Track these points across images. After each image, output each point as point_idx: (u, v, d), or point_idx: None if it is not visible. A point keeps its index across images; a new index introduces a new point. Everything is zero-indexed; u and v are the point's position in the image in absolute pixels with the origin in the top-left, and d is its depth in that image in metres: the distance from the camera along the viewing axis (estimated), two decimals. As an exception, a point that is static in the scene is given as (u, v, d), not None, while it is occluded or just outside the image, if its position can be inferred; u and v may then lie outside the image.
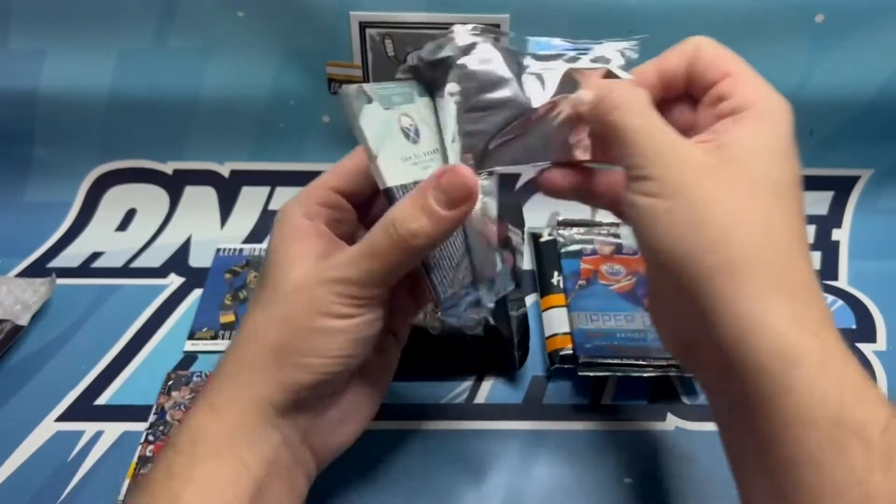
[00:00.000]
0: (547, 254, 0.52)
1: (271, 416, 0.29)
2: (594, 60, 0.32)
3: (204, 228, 0.58)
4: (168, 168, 0.58)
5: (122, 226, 0.58)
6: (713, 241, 0.25)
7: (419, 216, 0.27)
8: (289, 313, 0.29)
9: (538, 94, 0.31)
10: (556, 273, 0.50)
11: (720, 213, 0.25)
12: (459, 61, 0.30)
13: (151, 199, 0.58)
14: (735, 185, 0.25)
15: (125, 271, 0.54)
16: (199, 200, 0.58)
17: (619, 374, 0.43)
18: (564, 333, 0.45)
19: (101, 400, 0.44)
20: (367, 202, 0.34)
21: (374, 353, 0.32)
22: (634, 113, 0.28)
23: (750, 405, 0.24)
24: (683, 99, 0.31)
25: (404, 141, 0.30)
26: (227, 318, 0.49)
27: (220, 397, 0.29)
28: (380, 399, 0.34)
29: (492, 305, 0.34)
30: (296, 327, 0.29)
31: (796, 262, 0.25)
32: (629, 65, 0.32)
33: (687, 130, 0.29)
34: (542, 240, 0.53)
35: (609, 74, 0.32)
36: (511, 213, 0.54)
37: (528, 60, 0.32)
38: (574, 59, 0.32)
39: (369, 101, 0.29)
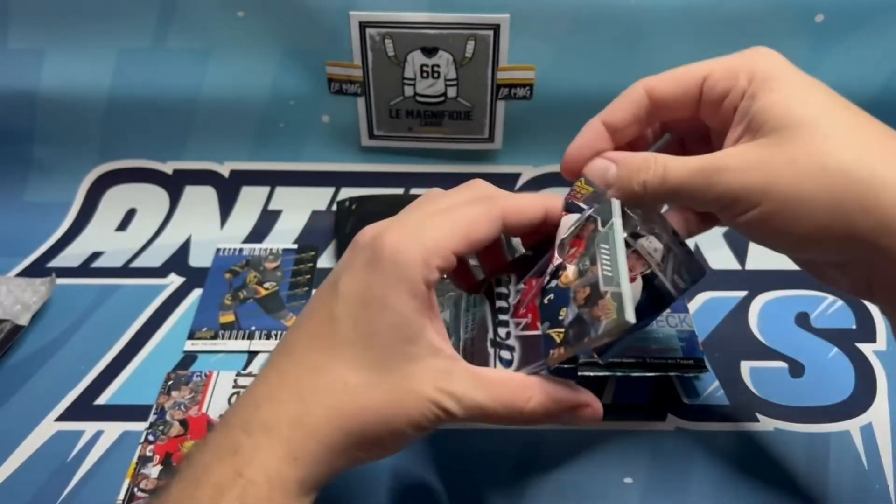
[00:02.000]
0: (547, 254, 0.52)
1: (302, 491, 0.28)
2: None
3: (204, 228, 0.58)
4: (168, 168, 0.58)
5: (122, 226, 0.58)
6: (840, 186, 0.26)
7: (545, 403, 0.29)
8: (393, 403, 0.28)
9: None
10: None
11: (810, 190, 0.26)
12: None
13: (151, 198, 0.58)
14: (802, 144, 0.27)
15: (125, 271, 0.54)
16: (199, 200, 0.58)
17: (619, 374, 0.43)
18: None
19: (101, 400, 0.44)
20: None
21: None
22: (674, 172, 0.29)
23: None
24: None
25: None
26: (227, 318, 0.49)
27: (250, 466, 0.27)
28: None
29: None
30: (391, 421, 0.28)
31: None
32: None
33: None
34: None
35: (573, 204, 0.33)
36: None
37: None
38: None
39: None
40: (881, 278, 0.28)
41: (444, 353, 0.29)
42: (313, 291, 0.51)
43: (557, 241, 0.32)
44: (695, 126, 0.33)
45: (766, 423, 0.42)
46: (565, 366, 0.44)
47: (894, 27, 0.50)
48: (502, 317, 0.33)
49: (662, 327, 0.45)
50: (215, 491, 0.26)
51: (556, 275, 0.32)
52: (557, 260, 0.32)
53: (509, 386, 0.29)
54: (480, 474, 0.39)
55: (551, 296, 0.31)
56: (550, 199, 0.32)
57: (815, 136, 0.26)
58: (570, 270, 0.31)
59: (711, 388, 0.44)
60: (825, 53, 0.51)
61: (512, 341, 0.32)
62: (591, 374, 0.43)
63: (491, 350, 0.32)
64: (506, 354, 0.32)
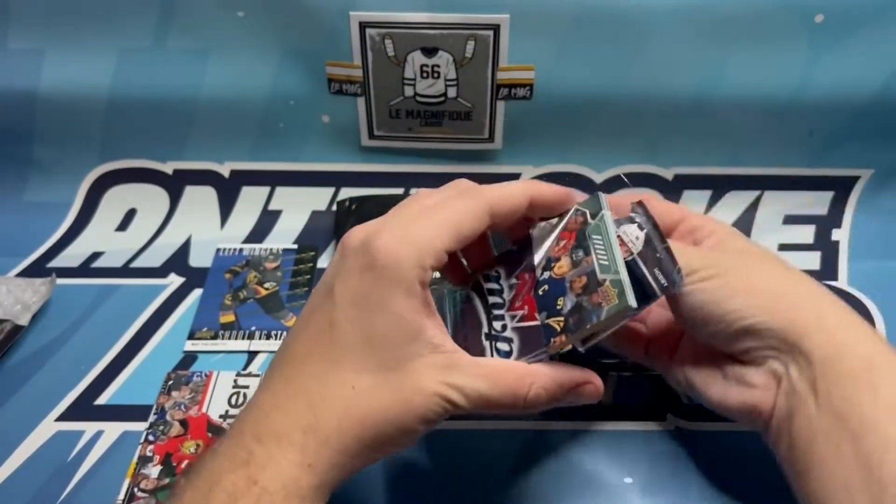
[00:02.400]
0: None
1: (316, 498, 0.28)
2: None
3: (204, 228, 0.58)
4: (168, 168, 0.58)
5: (122, 226, 0.58)
6: (784, 289, 0.33)
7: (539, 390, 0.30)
8: (401, 403, 0.29)
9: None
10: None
11: (757, 279, 0.33)
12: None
13: (151, 198, 0.58)
14: (753, 265, 0.35)
15: (125, 271, 0.54)
16: (199, 200, 0.58)
17: (618, 373, 0.43)
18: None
19: (101, 400, 0.44)
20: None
21: None
22: None
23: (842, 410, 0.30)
24: None
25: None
26: (227, 318, 0.49)
27: (266, 475, 0.27)
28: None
29: None
30: (401, 420, 0.28)
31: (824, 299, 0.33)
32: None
33: None
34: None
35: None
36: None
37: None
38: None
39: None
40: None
41: (444, 348, 0.29)
42: (313, 291, 0.51)
43: (535, 238, 0.35)
44: None
45: (765, 424, 0.42)
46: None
47: (894, 27, 0.50)
48: (497, 311, 0.33)
49: (662, 327, 0.45)
50: (229, 498, 0.26)
51: (548, 267, 0.33)
52: (541, 254, 0.34)
53: (511, 374, 0.30)
54: (480, 474, 0.39)
55: (546, 287, 0.32)
56: (533, 186, 0.33)
57: (764, 266, 0.35)
58: (564, 262, 0.32)
59: (711, 388, 0.44)
60: (825, 53, 0.51)
61: (509, 333, 0.32)
62: (591, 374, 0.43)
63: (486, 343, 0.33)
64: (503, 346, 0.32)
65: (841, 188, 0.57)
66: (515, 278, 0.34)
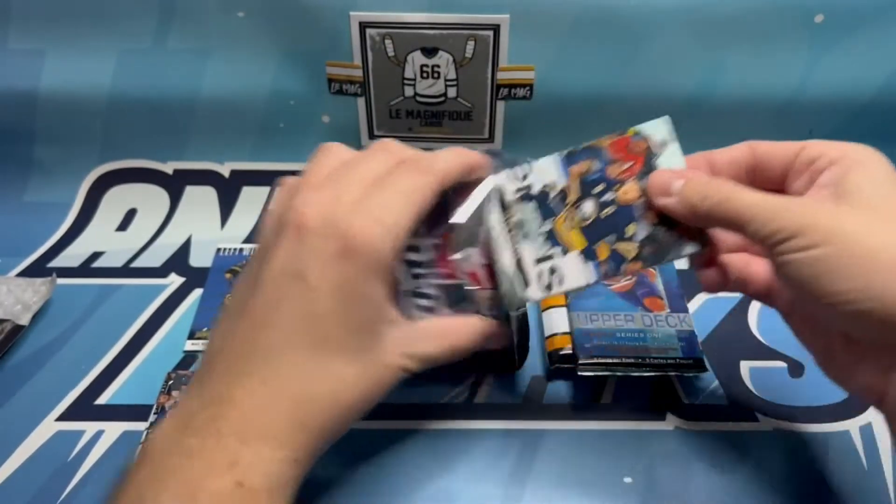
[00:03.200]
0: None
1: (293, 486, 0.29)
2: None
3: (204, 228, 0.58)
4: (168, 168, 0.58)
5: (123, 226, 0.58)
6: (888, 270, 0.26)
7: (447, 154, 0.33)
8: (376, 382, 0.30)
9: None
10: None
11: (882, 247, 0.26)
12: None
13: (152, 198, 0.58)
14: (877, 221, 0.27)
15: (125, 271, 0.54)
16: (200, 200, 0.58)
17: (618, 373, 0.43)
18: (564, 333, 0.45)
19: (102, 399, 0.44)
20: None
21: None
22: (741, 194, 0.30)
23: None
24: None
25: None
26: (228, 317, 0.49)
27: (248, 470, 0.27)
28: None
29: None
30: (374, 398, 0.30)
31: None
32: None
33: None
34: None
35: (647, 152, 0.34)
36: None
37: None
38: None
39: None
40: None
41: (401, 321, 0.32)
42: (262, 273, 0.51)
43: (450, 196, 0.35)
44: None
45: (765, 423, 0.42)
46: (565, 366, 0.44)
47: (894, 27, 0.50)
48: (417, 269, 0.34)
49: (662, 327, 0.45)
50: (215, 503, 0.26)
51: (608, 188, 0.34)
52: (560, 185, 0.35)
53: (453, 334, 0.33)
54: (480, 474, 0.39)
55: (610, 209, 0.34)
56: (467, 156, 0.34)
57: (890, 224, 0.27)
58: (631, 187, 0.34)
59: (711, 387, 0.44)
60: (825, 53, 0.51)
61: (432, 290, 0.34)
62: (591, 374, 0.43)
63: (409, 300, 0.33)
64: (424, 302, 0.34)
65: (841, 188, 0.57)
66: (437, 237, 0.35)
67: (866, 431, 0.41)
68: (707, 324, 0.49)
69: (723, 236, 0.34)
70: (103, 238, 0.57)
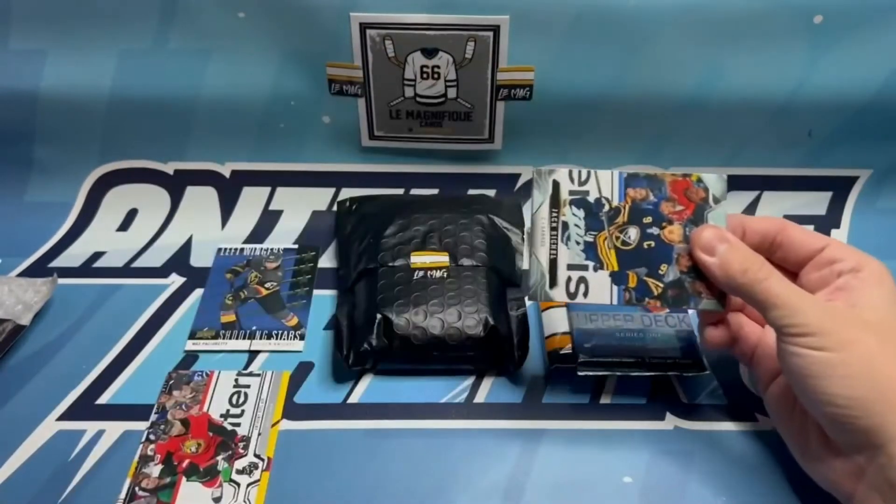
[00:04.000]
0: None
1: None
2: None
3: (205, 228, 0.58)
4: (169, 168, 0.58)
5: (124, 226, 0.58)
6: (886, 387, 0.30)
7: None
8: None
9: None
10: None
11: (882, 367, 0.30)
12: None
13: (152, 199, 0.58)
14: (884, 343, 0.31)
15: (126, 271, 0.54)
16: (200, 200, 0.58)
17: (618, 373, 0.43)
18: (564, 333, 0.45)
19: (103, 399, 0.44)
20: None
21: None
22: (776, 281, 0.33)
23: None
24: None
25: None
26: (228, 317, 0.49)
27: None
28: None
29: None
30: None
31: None
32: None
33: None
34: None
35: (696, 193, 0.36)
36: (511, 212, 0.54)
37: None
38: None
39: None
40: (866, 485, 0.31)
41: None
42: (314, 291, 0.52)
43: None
44: None
45: (765, 423, 0.42)
46: (565, 366, 0.44)
47: (893, 27, 0.50)
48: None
49: (661, 327, 0.45)
50: None
51: (656, 222, 0.36)
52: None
53: None
54: (480, 474, 0.39)
55: (651, 243, 0.36)
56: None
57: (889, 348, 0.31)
58: (676, 230, 0.36)
59: (710, 387, 0.44)
60: (824, 54, 0.51)
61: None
62: (591, 374, 0.43)
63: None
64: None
65: (840, 188, 0.57)
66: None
67: None
68: (706, 324, 0.49)
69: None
70: (104, 238, 0.57)
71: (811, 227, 0.57)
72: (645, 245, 0.36)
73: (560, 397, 0.44)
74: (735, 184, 0.57)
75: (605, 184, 0.36)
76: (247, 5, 0.51)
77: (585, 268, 0.36)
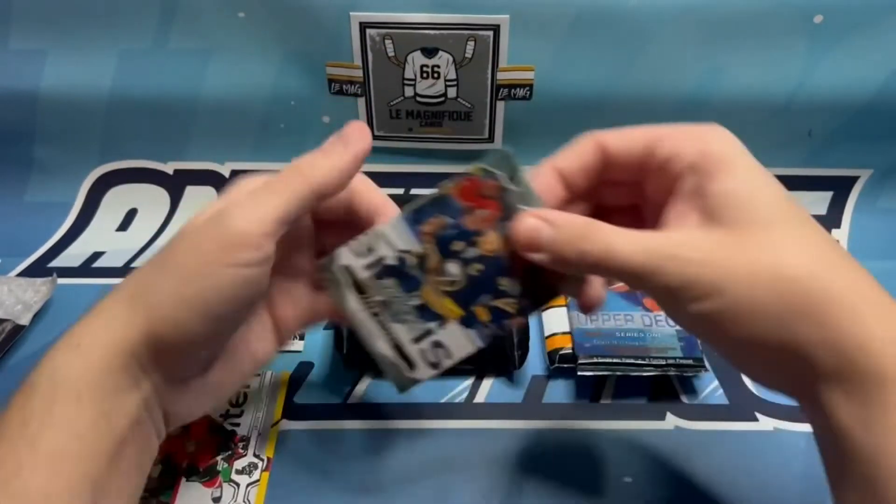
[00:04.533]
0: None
1: (134, 370, 0.27)
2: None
3: (204, 228, 0.58)
4: (169, 168, 0.58)
5: (123, 226, 0.58)
6: (793, 295, 0.25)
7: (316, 156, 0.29)
8: (171, 256, 0.28)
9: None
10: (555, 273, 0.50)
11: (776, 282, 0.25)
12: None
13: (152, 198, 0.58)
14: (761, 246, 0.25)
15: (126, 271, 0.54)
16: (200, 200, 0.58)
17: (618, 373, 0.43)
18: (564, 333, 0.45)
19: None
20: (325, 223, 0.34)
21: (256, 328, 0.33)
22: (619, 247, 0.26)
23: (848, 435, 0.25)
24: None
25: None
26: (228, 317, 0.49)
27: (86, 335, 0.27)
28: (238, 385, 0.33)
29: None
30: (177, 267, 0.27)
31: (865, 280, 0.26)
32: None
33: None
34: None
35: (483, 172, 0.30)
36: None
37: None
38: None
39: None
40: (808, 388, 0.26)
41: None
42: None
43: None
44: (626, 195, 0.32)
45: (765, 423, 0.42)
46: (565, 366, 0.44)
47: (894, 27, 0.50)
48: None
49: (662, 327, 0.45)
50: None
51: (465, 238, 0.30)
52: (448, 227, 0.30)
53: None
54: (479, 474, 0.39)
55: (477, 266, 0.30)
56: (343, 160, 0.30)
57: (774, 240, 0.26)
58: (492, 236, 0.30)
59: (711, 387, 0.44)
60: (824, 54, 0.51)
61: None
62: (591, 373, 0.43)
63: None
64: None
65: (840, 188, 0.57)
66: None
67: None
68: (707, 324, 0.48)
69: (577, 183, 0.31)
70: (104, 238, 0.57)
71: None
72: (473, 272, 0.30)
73: (560, 397, 0.44)
74: (735, 184, 0.57)
75: (393, 237, 0.30)
76: (247, 5, 0.51)
77: (430, 331, 0.31)
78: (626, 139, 0.29)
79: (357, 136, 0.29)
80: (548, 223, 0.28)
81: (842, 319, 0.24)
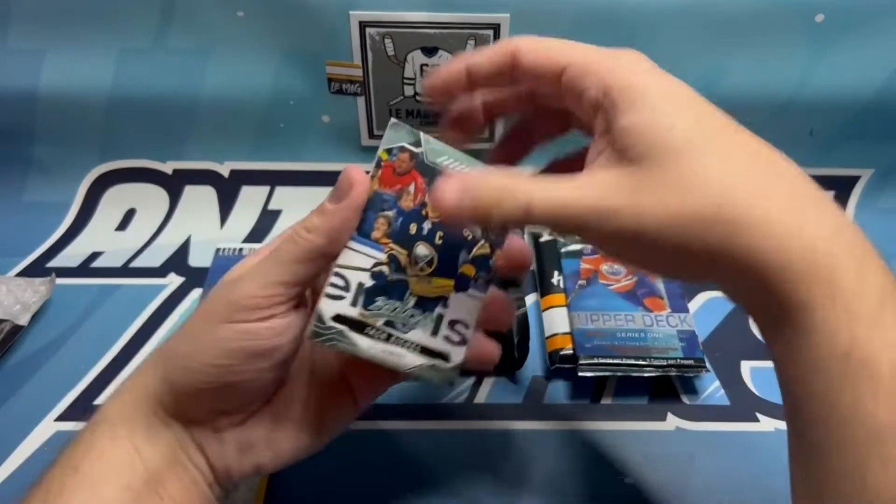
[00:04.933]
0: (547, 254, 0.52)
1: (161, 414, 0.30)
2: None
3: (204, 228, 0.58)
4: (168, 168, 0.58)
5: (122, 225, 0.58)
6: (706, 231, 0.24)
7: (313, 216, 0.29)
8: (191, 319, 0.31)
9: None
10: (556, 273, 0.50)
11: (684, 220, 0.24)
12: None
13: (151, 198, 0.58)
14: (670, 179, 0.24)
15: (125, 271, 0.54)
16: (199, 200, 0.58)
17: (619, 373, 0.43)
18: (564, 333, 0.45)
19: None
20: None
21: (319, 394, 0.32)
22: (539, 194, 0.26)
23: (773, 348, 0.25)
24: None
25: None
26: (227, 317, 0.49)
27: (128, 382, 0.31)
28: (303, 450, 0.32)
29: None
30: (190, 328, 0.30)
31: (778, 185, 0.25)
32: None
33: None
34: (543, 240, 0.53)
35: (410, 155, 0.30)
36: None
37: None
38: None
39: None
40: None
41: None
42: None
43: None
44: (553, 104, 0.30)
45: (766, 423, 0.42)
46: (565, 366, 0.44)
47: (894, 27, 0.50)
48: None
49: (662, 327, 0.45)
50: None
51: (418, 220, 0.30)
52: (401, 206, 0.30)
53: None
54: (480, 474, 0.39)
55: (438, 234, 0.31)
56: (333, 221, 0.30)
57: (682, 168, 0.24)
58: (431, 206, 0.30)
59: (711, 387, 0.44)
60: (825, 53, 0.51)
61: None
62: (591, 374, 0.43)
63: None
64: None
65: (841, 188, 0.57)
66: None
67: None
68: (708, 324, 0.48)
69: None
70: (103, 238, 0.57)
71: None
72: (439, 241, 0.31)
73: (561, 398, 0.44)
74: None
75: (357, 260, 0.30)
76: (246, 4, 0.51)
77: (440, 316, 0.31)
78: (538, 58, 0.28)
79: (348, 189, 0.29)
80: (463, 191, 0.27)
81: (756, 252, 0.23)
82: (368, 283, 0.30)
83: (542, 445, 0.41)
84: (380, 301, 0.30)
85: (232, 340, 0.28)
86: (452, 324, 0.31)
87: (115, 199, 0.58)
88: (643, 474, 0.39)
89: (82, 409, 0.43)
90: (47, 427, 0.42)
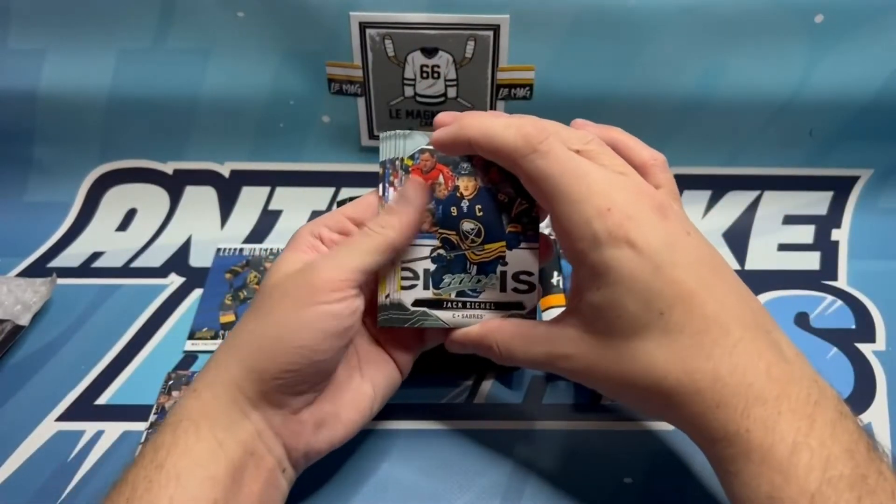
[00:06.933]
0: (547, 254, 0.52)
1: (242, 403, 0.31)
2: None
3: (204, 228, 0.58)
4: (168, 168, 0.58)
5: (123, 226, 0.58)
6: (660, 401, 0.30)
7: (384, 215, 0.35)
8: (264, 304, 0.33)
9: None
10: (555, 273, 0.50)
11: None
12: None
13: (152, 198, 0.58)
14: (625, 354, 0.31)
15: (125, 271, 0.54)
16: (200, 200, 0.58)
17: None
18: (564, 333, 0.45)
19: (102, 400, 0.44)
20: None
21: (365, 366, 0.37)
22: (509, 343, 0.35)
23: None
24: None
25: None
26: (228, 318, 0.49)
27: (202, 380, 0.32)
28: (365, 415, 0.36)
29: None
30: (267, 317, 0.32)
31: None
32: None
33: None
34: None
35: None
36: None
37: None
38: None
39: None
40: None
41: None
42: None
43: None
44: None
45: (765, 423, 0.42)
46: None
47: (894, 27, 0.50)
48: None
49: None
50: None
51: (457, 202, 0.35)
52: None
53: None
54: (480, 474, 0.39)
55: (477, 206, 0.35)
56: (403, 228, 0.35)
57: (637, 352, 0.30)
58: (463, 183, 0.35)
59: (711, 388, 0.44)
60: (825, 53, 0.51)
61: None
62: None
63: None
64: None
65: (841, 188, 0.57)
66: None
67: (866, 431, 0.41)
68: (707, 324, 0.48)
69: None
70: (103, 238, 0.57)
71: (812, 228, 0.57)
72: (480, 214, 0.35)
73: (560, 397, 0.44)
74: (735, 184, 0.57)
75: (417, 252, 0.36)
76: (246, 5, 0.51)
77: (504, 273, 0.36)
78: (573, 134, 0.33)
79: (413, 193, 0.34)
80: (447, 122, 0.35)
81: (702, 418, 0.29)
82: (432, 267, 0.36)
83: (542, 445, 0.41)
84: (447, 278, 0.36)
85: (316, 321, 0.31)
86: (517, 276, 0.35)
87: (116, 200, 0.58)
88: (643, 474, 0.39)
89: (83, 409, 0.43)
90: (48, 427, 0.42)
